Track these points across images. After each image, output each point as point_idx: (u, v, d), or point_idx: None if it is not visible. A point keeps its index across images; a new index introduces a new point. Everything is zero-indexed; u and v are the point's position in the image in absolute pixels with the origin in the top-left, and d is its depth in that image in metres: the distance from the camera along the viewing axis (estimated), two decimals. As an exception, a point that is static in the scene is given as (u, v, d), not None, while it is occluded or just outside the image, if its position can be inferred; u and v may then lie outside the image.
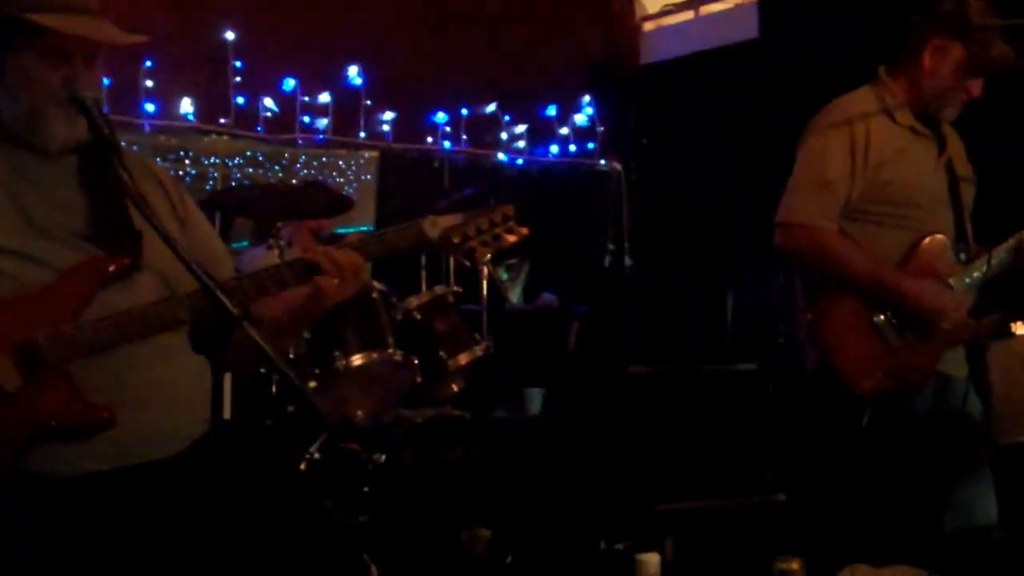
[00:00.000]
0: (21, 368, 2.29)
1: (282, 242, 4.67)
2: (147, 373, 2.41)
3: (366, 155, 7.27)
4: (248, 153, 6.74)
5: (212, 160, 6.56)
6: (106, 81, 3.08)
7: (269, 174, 6.78)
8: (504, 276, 7.48)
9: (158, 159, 6.18)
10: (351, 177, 7.21)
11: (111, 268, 2.39)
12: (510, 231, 2.61)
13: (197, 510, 2.35)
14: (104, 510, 2.31)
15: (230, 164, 6.65)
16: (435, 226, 2.57)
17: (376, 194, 7.25)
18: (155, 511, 2.34)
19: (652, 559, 3.56)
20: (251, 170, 6.72)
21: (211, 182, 6.52)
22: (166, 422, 2.43)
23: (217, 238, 2.82)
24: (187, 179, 6.43)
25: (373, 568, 3.23)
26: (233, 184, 6.50)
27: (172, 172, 5.98)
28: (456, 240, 2.57)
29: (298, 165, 6.97)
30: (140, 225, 2.41)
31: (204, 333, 2.45)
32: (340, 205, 4.89)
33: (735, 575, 3.70)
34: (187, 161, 6.46)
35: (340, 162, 7.17)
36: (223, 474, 2.44)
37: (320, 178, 6.81)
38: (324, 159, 7.10)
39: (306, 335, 4.43)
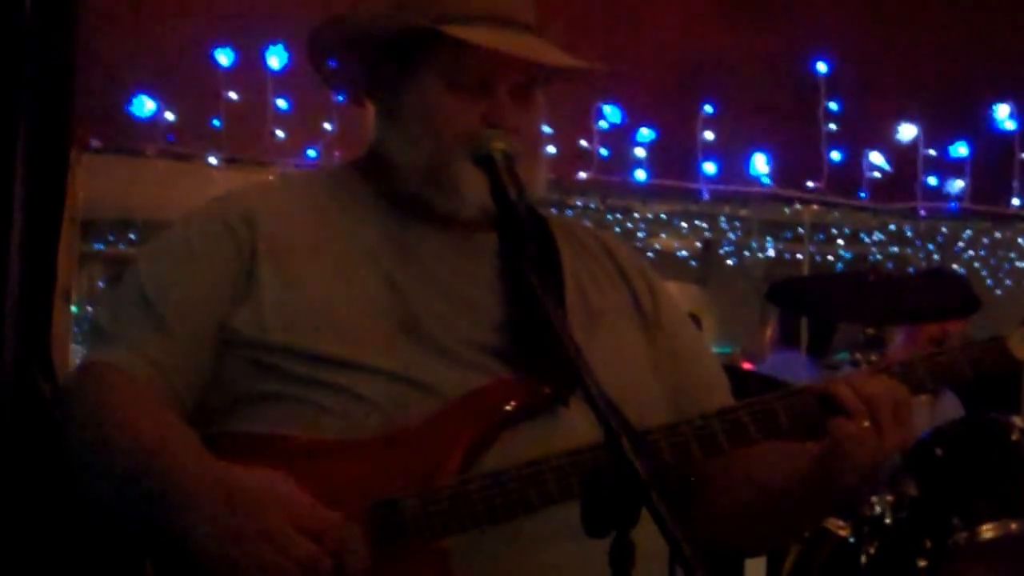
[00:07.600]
0: (375, 540, 1.89)
1: (879, 356, 4.15)
2: (553, 554, 1.97)
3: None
4: (844, 229, 6.29)
5: (794, 234, 6.16)
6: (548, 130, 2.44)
7: (876, 255, 6.38)
8: None
9: (769, 240, 6.05)
10: (997, 261, 6.78)
11: (519, 401, 2.01)
12: None
13: None
14: None
15: (817, 241, 6.28)
16: None
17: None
18: None
19: None
20: (847, 252, 6.21)
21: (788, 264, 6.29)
22: None
23: (707, 352, 2.40)
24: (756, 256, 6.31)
25: None
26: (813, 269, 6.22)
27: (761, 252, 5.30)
28: None
29: (924, 242, 6.52)
30: (585, 337, 1.94)
31: (597, 506, 1.75)
32: (972, 303, 4.40)
33: None
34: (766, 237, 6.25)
35: (985, 239, 6.61)
36: None
37: (950, 263, 6.53)
38: (960, 234, 6.61)
39: (912, 492, 3.80)
